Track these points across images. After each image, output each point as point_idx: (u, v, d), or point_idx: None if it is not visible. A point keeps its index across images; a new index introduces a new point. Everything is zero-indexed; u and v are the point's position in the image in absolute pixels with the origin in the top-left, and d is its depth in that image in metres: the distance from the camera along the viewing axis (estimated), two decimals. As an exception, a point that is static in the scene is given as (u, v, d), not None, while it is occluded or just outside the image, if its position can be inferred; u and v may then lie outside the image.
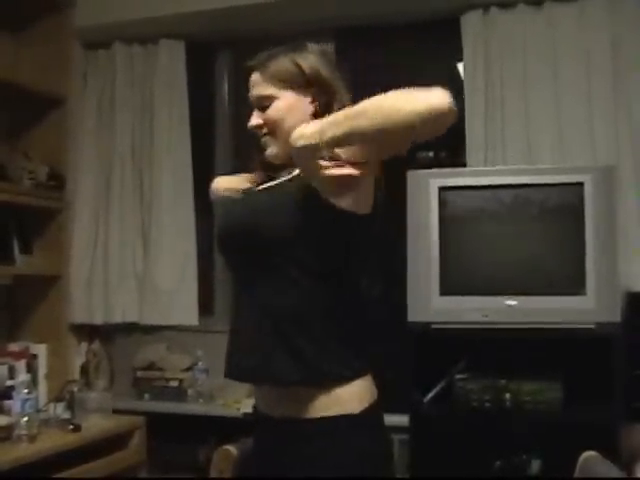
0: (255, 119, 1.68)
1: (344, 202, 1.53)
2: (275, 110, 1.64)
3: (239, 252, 1.63)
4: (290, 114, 1.62)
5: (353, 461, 1.52)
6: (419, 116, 1.34)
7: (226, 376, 1.65)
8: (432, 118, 1.34)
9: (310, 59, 1.65)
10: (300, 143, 1.42)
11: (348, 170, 1.42)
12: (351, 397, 1.55)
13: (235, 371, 1.64)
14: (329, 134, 1.39)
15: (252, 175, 1.81)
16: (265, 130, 1.66)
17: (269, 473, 1.61)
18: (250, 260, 1.60)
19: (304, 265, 1.55)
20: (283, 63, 1.64)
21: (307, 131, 1.42)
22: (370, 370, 1.62)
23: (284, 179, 1.62)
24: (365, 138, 1.40)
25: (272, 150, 1.67)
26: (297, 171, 1.58)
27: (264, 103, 1.65)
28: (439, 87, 1.37)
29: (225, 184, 1.85)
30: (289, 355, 1.53)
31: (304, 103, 1.64)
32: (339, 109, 1.50)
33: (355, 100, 1.45)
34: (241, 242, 1.61)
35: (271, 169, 1.71)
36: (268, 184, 1.65)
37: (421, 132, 1.37)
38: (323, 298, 1.57)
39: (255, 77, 1.67)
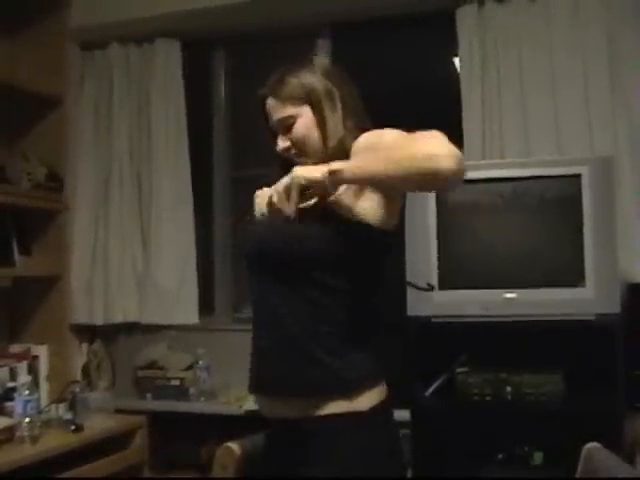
0: (282, 142, 1.68)
1: (379, 221, 1.58)
2: (299, 128, 1.65)
3: (268, 271, 1.63)
4: (313, 128, 1.64)
5: (361, 459, 1.53)
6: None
7: (250, 391, 1.68)
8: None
9: (313, 76, 1.67)
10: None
11: None
12: (363, 397, 1.56)
13: (260, 386, 1.65)
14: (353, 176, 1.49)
15: None
16: (294, 150, 1.67)
17: (278, 471, 1.62)
18: (277, 279, 1.60)
19: (333, 283, 1.56)
20: (292, 82, 1.66)
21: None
22: (387, 372, 1.64)
23: (313, 201, 1.58)
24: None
25: None
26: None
27: (287, 123, 1.66)
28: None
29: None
30: (314, 368, 1.54)
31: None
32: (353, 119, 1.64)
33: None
34: (271, 262, 1.61)
35: None
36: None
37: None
38: (346, 311, 1.58)
39: (271, 102, 1.68)
